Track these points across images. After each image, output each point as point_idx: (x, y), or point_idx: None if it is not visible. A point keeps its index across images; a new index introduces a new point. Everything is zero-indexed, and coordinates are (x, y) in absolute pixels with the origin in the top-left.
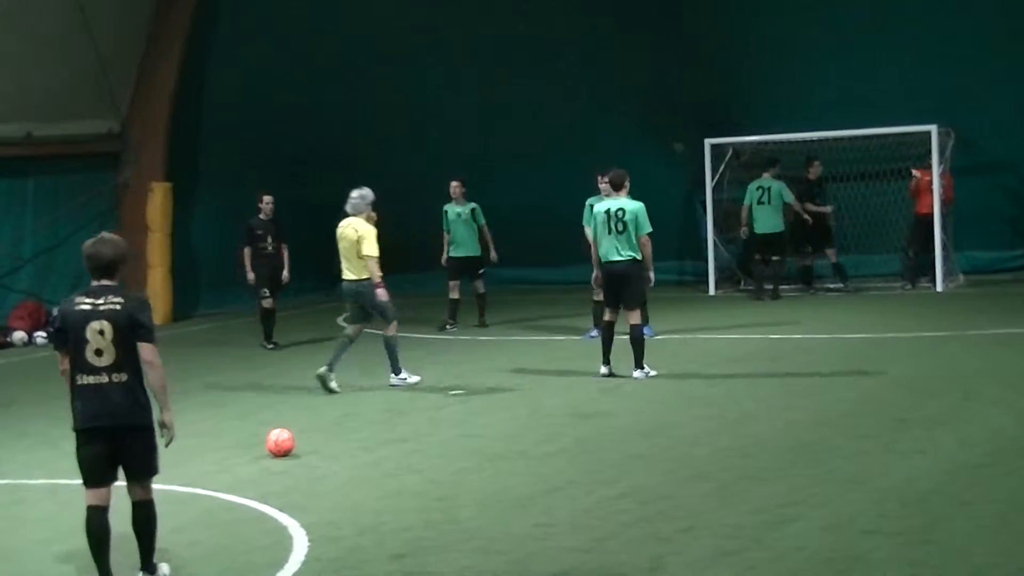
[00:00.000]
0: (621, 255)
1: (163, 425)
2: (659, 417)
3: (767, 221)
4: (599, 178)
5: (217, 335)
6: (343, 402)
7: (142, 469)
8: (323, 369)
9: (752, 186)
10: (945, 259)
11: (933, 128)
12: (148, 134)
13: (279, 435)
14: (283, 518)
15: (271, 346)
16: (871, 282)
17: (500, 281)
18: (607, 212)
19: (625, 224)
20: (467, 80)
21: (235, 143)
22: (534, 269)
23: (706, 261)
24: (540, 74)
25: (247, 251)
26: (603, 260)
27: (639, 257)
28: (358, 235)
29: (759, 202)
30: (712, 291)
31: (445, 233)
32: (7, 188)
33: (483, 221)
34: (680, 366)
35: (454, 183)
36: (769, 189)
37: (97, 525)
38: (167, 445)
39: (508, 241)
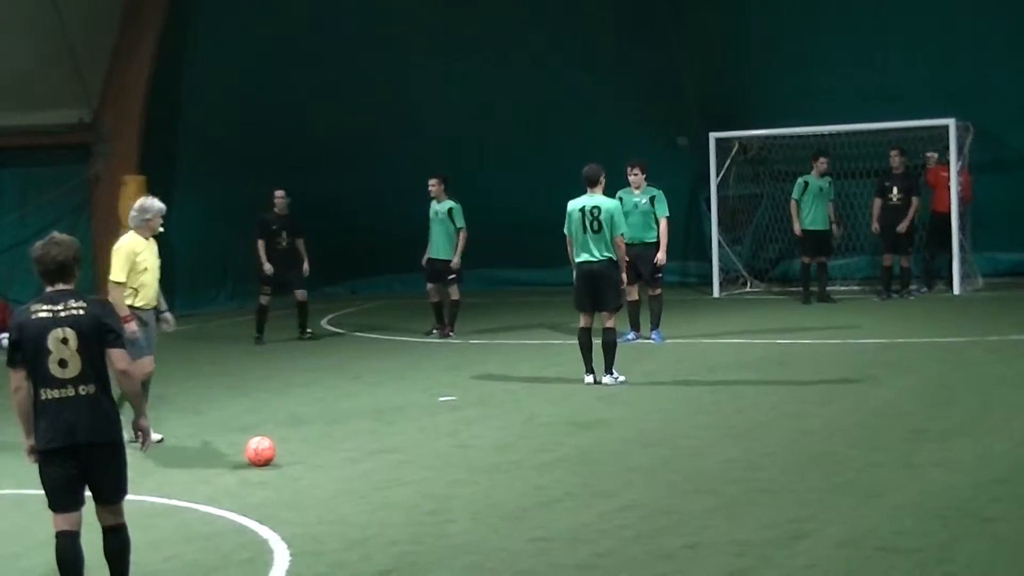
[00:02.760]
0: (597, 256)
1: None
2: (662, 427)
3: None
4: (628, 168)
5: (194, 337)
6: (329, 410)
7: (112, 491)
8: None
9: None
10: (962, 261)
11: (951, 122)
12: (121, 125)
13: (260, 444)
14: (264, 531)
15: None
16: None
17: (492, 282)
18: (582, 210)
19: (601, 224)
20: (462, 73)
21: (212, 135)
22: (532, 270)
23: (710, 262)
24: (540, 67)
25: (261, 243)
26: (578, 261)
27: (615, 257)
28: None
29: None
30: (716, 293)
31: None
32: None
33: (461, 223)
34: (684, 372)
35: (432, 180)
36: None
37: (69, 552)
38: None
39: (505, 241)
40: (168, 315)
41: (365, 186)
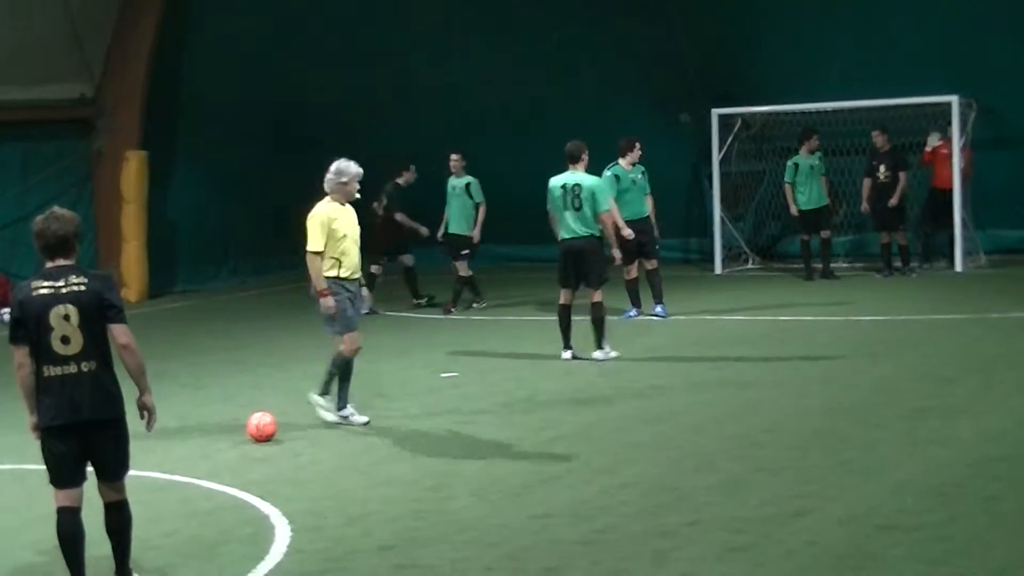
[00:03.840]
0: (578, 232)
1: (143, 407)
2: (663, 403)
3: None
4: (636, 144)
5: (196, 313)
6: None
7: (114, 467)
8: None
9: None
10: (965, 237)
11: (954, 99)
12: (123, 99)
13: (261, 419)
14: (265, 507)
15: (422, 301)
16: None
17: (495, 259)
18: (563, 187)
19: (581, 201)
20: (463, 50)
21: (215, 110)
22: (532, 247)
23: (712, 238)
24: (541, 44)
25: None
26: (561, 237)
27: (597, 233)
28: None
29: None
30: (718, 270)
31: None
32: None
33: (480, 198)
34: (685, 349)
35: (454, 155)
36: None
37: (70, 528)
38: (149, 429)
39: (506, 217)
40: (365, 291)
41: (365, 161)
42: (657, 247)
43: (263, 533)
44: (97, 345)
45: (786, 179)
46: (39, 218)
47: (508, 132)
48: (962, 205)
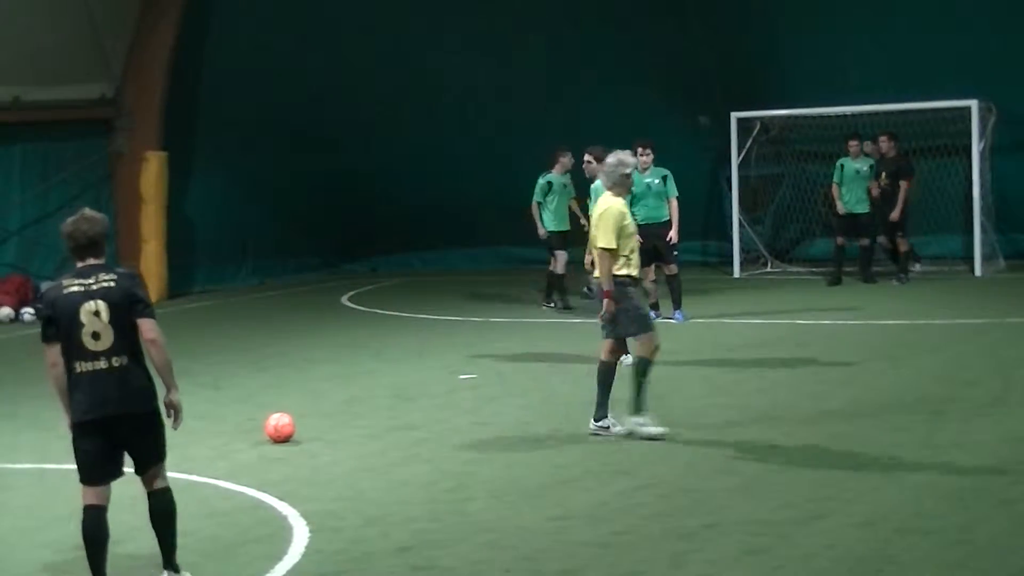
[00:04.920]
0: None
1: (170, 406)
2: (681, 405)
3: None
4: (639, 149)
5: (215, 313)
6: (348, 386)
7: (152, 454)
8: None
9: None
10: (984, 242)
11: (974, 103)
12: (143, 100)
13: (279, 420)
14: (283, 507)
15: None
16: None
17: (514, 261)
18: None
19: None
20: (482, 49)
21: (234, 110)
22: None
23: (731, 241)
24: (559, 44)
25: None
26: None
27: None
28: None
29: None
30: (737, 273)
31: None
32: None
33: (573, 193)
34: (703, 352)
35: (568, 155)
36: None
37: (95, 527)
38: (176, 427)
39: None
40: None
41: (385, 162)
42: (675, 253)
43: (281, 534)
44: (127, 340)
45: (834, 179)
46: (69, 219)
47: (526, 134)
48: (980, 210)
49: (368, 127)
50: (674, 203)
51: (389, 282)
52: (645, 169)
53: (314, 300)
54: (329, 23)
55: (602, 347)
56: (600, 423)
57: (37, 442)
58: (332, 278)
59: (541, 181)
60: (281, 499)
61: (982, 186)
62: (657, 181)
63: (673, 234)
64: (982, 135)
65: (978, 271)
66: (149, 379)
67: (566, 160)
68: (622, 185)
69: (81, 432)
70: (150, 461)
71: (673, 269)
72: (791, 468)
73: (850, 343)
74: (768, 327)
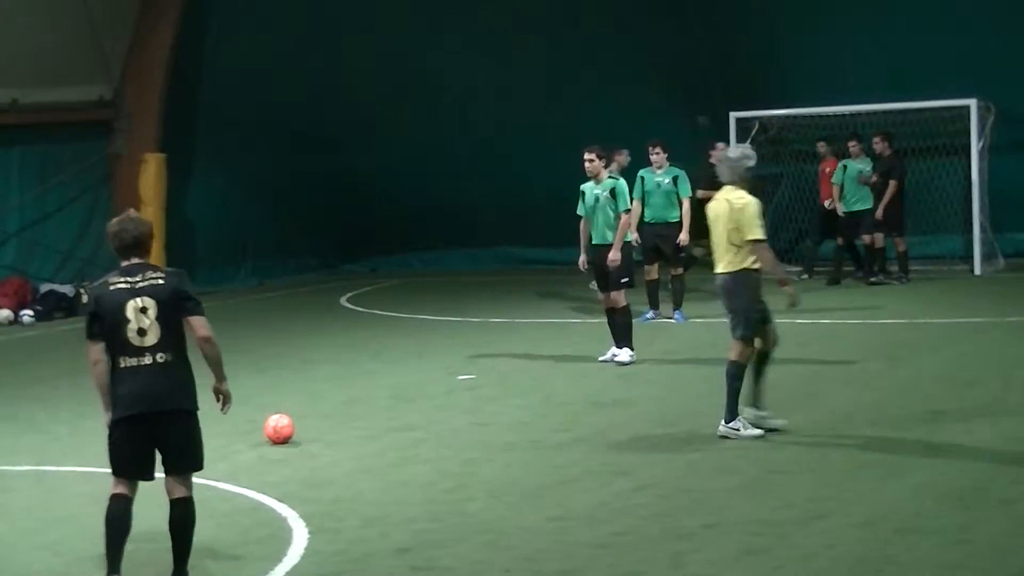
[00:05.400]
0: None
1: (219, 392)
2: (681, 406)
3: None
4: (649, 148)
5: (214, 314)
6: (347, 387)
7: (186, 460)
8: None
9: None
10: (983, 241)
11: (973, 102)
12: (142, 101)
13: (278, 421)
14: (282, 509)
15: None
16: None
17: (513, 261)
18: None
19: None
20: (481, 49)
21: (234, 111)
22: (551, 249)
23: None
24: (559, 44)
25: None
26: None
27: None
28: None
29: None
30: None
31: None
32: None
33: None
34: (703, 351)
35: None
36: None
37: (120, 513)
38: (224, 411)
39: (523, 220)
40: None
41: (385, 162)
42: (682, 254)
43: (280, 535)
44: (173, 337)
45: (833, 181)
46: (115, 220)
47: (527, 134)
48: (980, 210)
49: (368, 127)
50: (686, 204)
51: (388, 283)
52: (659, 168)
53: (313, 301)
54: (329, 23)
55: (732, 348)
56: (731, 425)
57: (36, 444)
58: (331, 279)
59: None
60: (280, 500)
61: (981, 185)
62: (667, 181)
63: (683, 236)
64: (981, 134)
65: (977, 270)
66: (191, 378)
67: (622, 158)
68: (744, 179)
69: (120, 427)
70: (181, 464)
71: (679, 270)
72: (791, 468)
73: (849, 343)
74: None
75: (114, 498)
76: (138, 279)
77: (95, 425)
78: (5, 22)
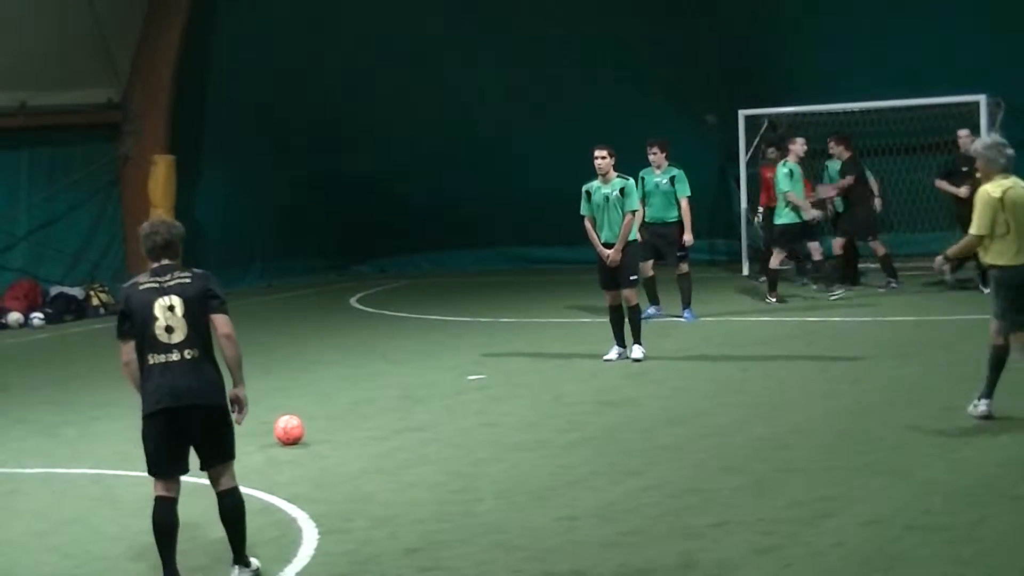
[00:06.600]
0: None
1: (236, 400)
2: (689, 405)
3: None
4: (647, 148)
5: None
6: (357, 388)
7: (221, 451)
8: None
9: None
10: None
11: (982, 98)
12: (150, 104)
13: (288, 422)
14: (291, 510)
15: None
16: (914, 261)
17: (521, 260)
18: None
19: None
20: (487, 52)
21: (241, 113)
22: (559, 248)
23: (739, 239)
24: (565, 43)
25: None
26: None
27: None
28: None
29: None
30: (746, 271)
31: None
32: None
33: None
34: (711, 350)
35: (798, 142)
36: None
37: (166, 517)
38: (239, 422)
39: (530, 220)
40: None
41: (393, 164)
42: (681, 254)
43: (290, 536)
44: (200, 335)
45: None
46: (147, 223)
47: (534, 133)
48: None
49: (375, 129)
50: (684, 203)
51: (397, 283)
52: (658, 168)
53: (322, 302)
54: (336, 25)
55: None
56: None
57: (46, 447)
58: (340, 280)
59: (783, 170)
60: (290, 501)
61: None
62: (665, 181)
63: (687, 237)
64: (990, 130)
65: None
66: (219, 375)
67: (796, 147)
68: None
69: (150, 424)
70: (215, 458)
71: (684, 268)
72: (799, 466)
73: (859, 340)
74: (776, 325)
75: (157, 501)
76: (167, 279)
77: (104, 428)
78: (13, 26)
